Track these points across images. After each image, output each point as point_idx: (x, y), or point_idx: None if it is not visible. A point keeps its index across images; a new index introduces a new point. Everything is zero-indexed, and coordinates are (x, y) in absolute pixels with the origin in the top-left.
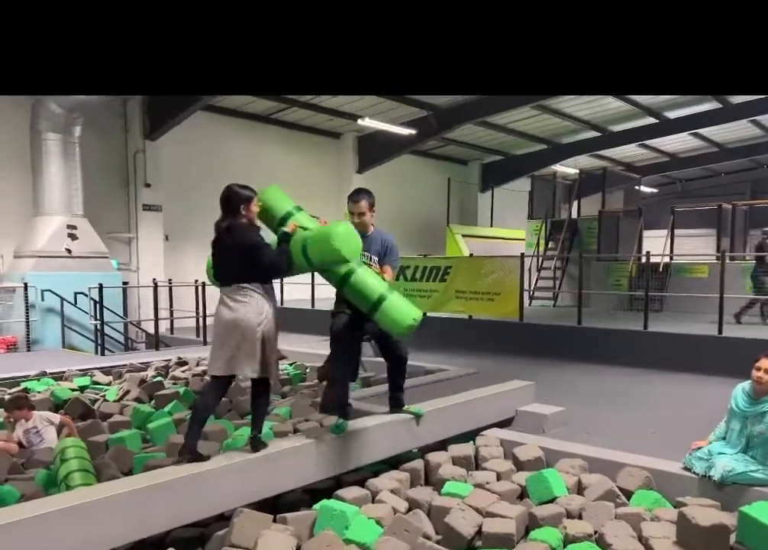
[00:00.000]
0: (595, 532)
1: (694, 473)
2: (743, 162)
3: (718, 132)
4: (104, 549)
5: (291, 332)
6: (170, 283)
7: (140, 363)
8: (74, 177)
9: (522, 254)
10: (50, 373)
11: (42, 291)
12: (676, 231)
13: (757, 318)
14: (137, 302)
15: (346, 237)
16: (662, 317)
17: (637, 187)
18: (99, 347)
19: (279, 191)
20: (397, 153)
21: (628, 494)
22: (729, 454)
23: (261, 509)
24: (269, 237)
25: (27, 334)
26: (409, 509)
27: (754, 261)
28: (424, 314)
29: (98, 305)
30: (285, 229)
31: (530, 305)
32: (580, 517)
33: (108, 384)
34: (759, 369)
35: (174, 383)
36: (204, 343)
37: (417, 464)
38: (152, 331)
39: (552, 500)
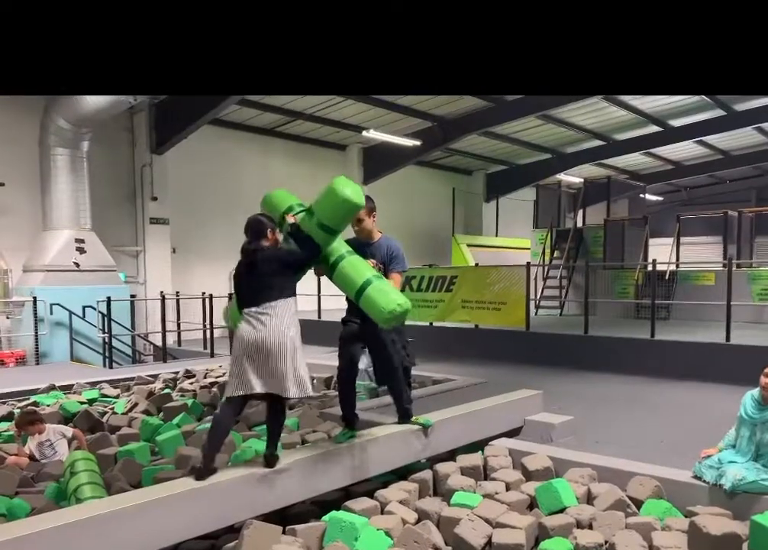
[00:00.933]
0: (606, 542)
1: (704, 481)
2: (749, 169)
3: (723, 140)
4: None
5: None
6: (177, 296)
7: (148, 376)
8: (82, 191)
9: (528, 263)
10: (59, 387)
11: (51, 305)
12: (682, 239)
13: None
14: (144, 315)
15: (346, 183)
16: (669, 325)
17: (642, 195)
18: (107, 360)
19: (282, 192)
20: (402, 165)
21: (638, 504)
22: (739, 462)
23: (270, 520)
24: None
25: (36, 348)
26: (418, 520)
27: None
28: (431, 323)
29: (106, 318)
30: (289, 222)
31: (536, 314)
32: (590, 527)
33: (117, 397)
34: (767, 375)
35: (182, 395)
36: (212, 355)
37: (426, 474)
38: (159, 343)
39: (561, 510)
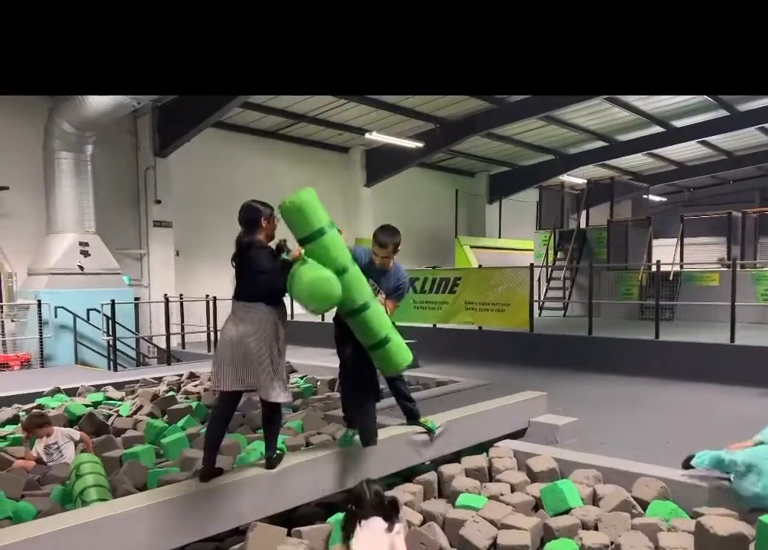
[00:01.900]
0: (612, 543)
1: (725, 479)
2: (752, 169)
3: (726, 140)
4: None
5: (300, 346)
6: (181, 298)
7: (153, 379)
8: (86, 195)
9: (532, 265)
10: (64, 389)
11: (55, 308)
12: (686, 240)
13: None
14: (148, 318)
15: (309, 290)
16: (673, 326)
17: (645, 196)
18: (112, 363)
19: (316, 198)
20: (404, 166)
21: (644, 504)
22: None
23: (275, 522)
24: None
25: (41, 351)
26: (423, 522)
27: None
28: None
29: (110, 321)
30: (287, 257)
31: (539, 315)
32: (596, 528)
33: (121, 400)
34: None
35: (186, 398)
36: None
37: (431, 476)
38: (163, 346)
39: (567, 511)
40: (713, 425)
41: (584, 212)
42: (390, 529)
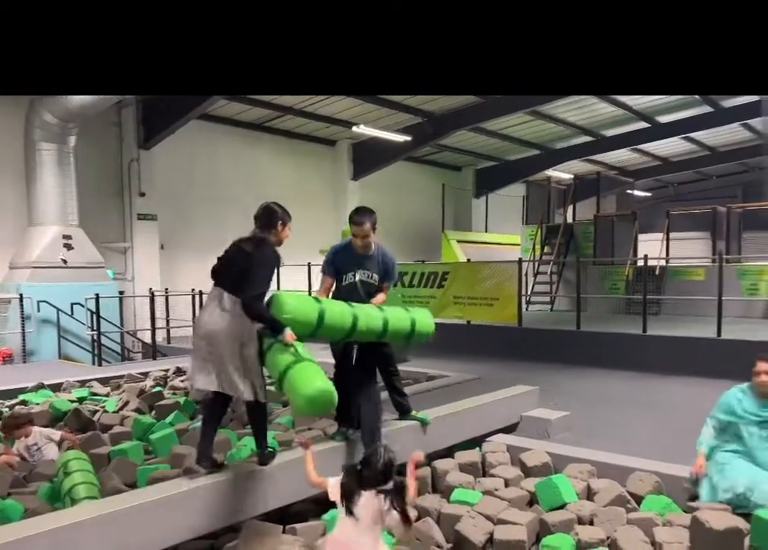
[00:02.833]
0: (608, 538)
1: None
2: (735, 165)
3: (710, 136)
4: None
5: None
6: (167, 292)
7: (138, 374)
8: (69, 187)
9: (520, 259)
10: (48, 385)
11: (38, 302)
12: (671, 234)
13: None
14: (132, 312)
15: (314, 402)
16: (659, 320)
17: (630, 191)
18: (96, 358)
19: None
20: (391, 160)
21: (638, 499)
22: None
23: (269, 520)
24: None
25: (23, 346)
26: (418, 518)
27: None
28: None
29: (95, 316)
30: (281, 338)
31: (527, 310)
32: (591, 523)
33: (107, 395)
34: (758, 374)
35: (173, 393)
36: None
37: (424, 471)
38: (148, 340)
39: (562, 506)
40: (701, 418)
41: (571, 207)
42: (388, 512)
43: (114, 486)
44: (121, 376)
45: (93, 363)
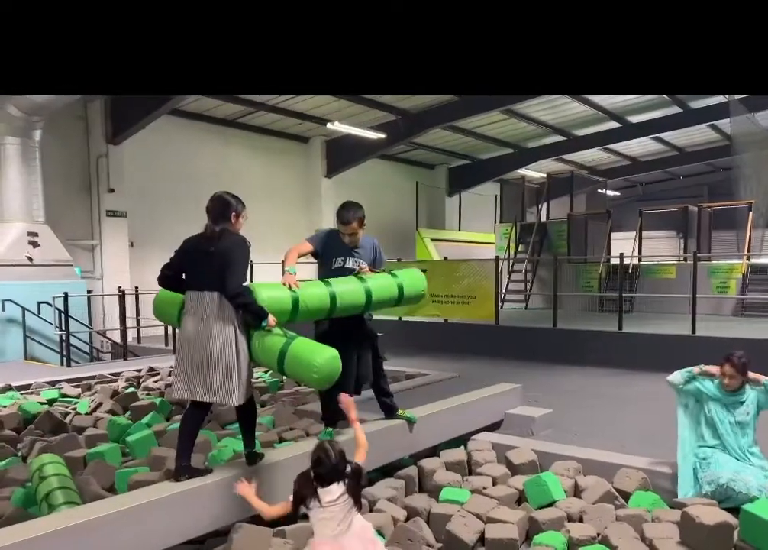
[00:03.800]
0: (598, 535)
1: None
2: (701, 165)
3: (678, 136)
4: None
5: None
6: (137, 291)
7: (110, 374)
8: (34, 183)
9: (497, 257)
10: (15, 387)
11: (2, 301)
12: (643, 233)
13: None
14: (101, 311)
15: (328, 369)
16: (633, 318)
17: (600, 190)
18: (65, 359)
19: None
20: (365, 158)
21: (626, 496)
22: (733, 459)
23: (256, 522)
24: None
25: None
26: (408, 518)
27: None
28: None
29: (63, 315)
30: (264, 325)
31: (501, 307)
32: (581, 520)
33: (78, 397)
34: (723, 375)
35: (148, 394)
36: (174, 351)
37: (411, 470)
38: (118, 340)
39: (551, 504)
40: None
41: (544, 205)
42: (357, 507)
43: (94, 491)
44: (92, 377)
45: (62, 364)
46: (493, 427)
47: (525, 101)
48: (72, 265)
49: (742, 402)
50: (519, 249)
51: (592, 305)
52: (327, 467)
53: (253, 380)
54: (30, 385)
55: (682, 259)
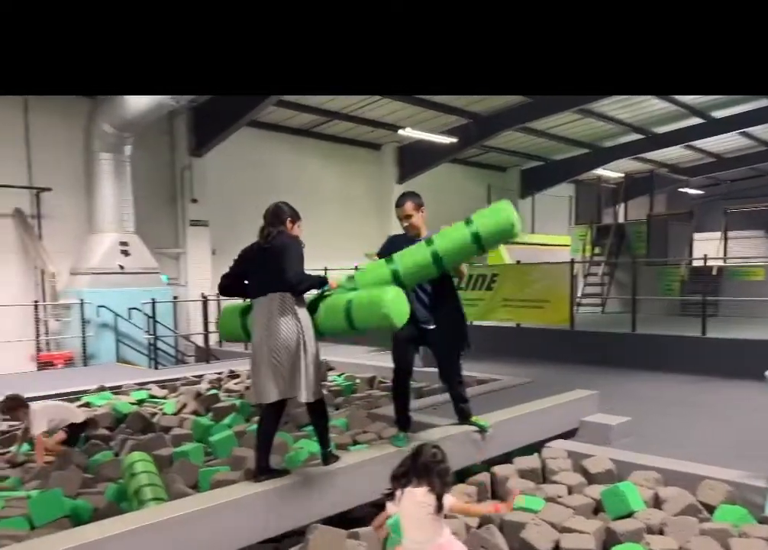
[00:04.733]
0: (680, 549)
1: None
2: None
3: (766, 131)
4: None
5: (338, 344)
6: (219, 297)
7: (194, 377)
8: (125, 195)
9: (572, 260)
10: (108, 387)
11: (97, 307)
12: (728, 233)
13: None
14: (186, 316)
15: (397, 303)
16: (717, 322)
17: (681, 189)
18: (153, 361)
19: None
20: (437, 163)
21: (710, 509)
22: None
23: (328, 524)
24: None
25: (84, 349)
26: (480, 524)
27: None
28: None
29: (151, 320)
30: (327, 289)
31: (577, 311)
32: (661, 532)
33: (164, 397)
34: None
35: (228, 396)
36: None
37: (483, 477)
38: (201, 344)
39: (629, 515)
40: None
41: (622, 206)
42: (438, 509)
43: (179, 489)
44: (177, 379)
45: (150, 367)
46: (568, 435)
47: (600, 100)
48: (158, 272)
49: None
50: (595, 251)
51: (673, 308)
52: (417, 466)
53: (324, 383)
54: (121, 386)
55: None
